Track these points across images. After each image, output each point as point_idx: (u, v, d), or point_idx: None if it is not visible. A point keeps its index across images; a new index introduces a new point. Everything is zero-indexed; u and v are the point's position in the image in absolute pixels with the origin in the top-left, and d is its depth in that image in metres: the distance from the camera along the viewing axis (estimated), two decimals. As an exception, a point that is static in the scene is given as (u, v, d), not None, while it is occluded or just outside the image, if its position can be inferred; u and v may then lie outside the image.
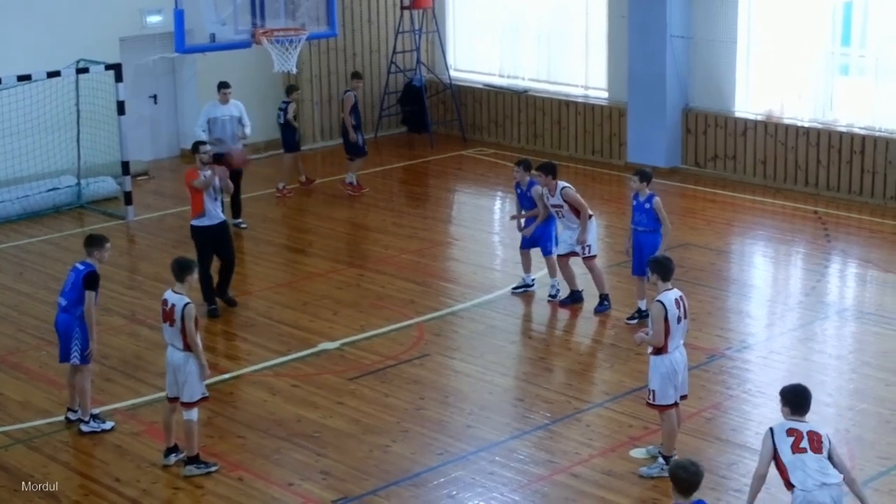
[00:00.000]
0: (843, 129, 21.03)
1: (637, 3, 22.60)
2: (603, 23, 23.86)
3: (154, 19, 23.02)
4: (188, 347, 11.71)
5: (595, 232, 16.06)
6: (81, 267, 12.60)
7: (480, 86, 25.65)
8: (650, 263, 11.83)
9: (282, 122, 21.78)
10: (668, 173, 22.52)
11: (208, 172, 15.61)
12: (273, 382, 13.88)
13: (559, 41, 24.92)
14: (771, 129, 21.73)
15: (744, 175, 22.08)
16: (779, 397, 9.65)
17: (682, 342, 11.58)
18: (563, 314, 15.75)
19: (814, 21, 21.35)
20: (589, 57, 24.43)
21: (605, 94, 24.15)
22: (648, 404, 11.76)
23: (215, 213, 15.80)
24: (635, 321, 15.16)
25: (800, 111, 21.70)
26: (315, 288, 16.99)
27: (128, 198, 20.55)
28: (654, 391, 11.57)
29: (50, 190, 20.93)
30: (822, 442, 9.35)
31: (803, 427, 9.41)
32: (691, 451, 11.94)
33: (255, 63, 22.72)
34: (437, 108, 25.94)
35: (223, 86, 19.34)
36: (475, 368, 14.23)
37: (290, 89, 21.96)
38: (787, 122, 21.70)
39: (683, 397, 11.76)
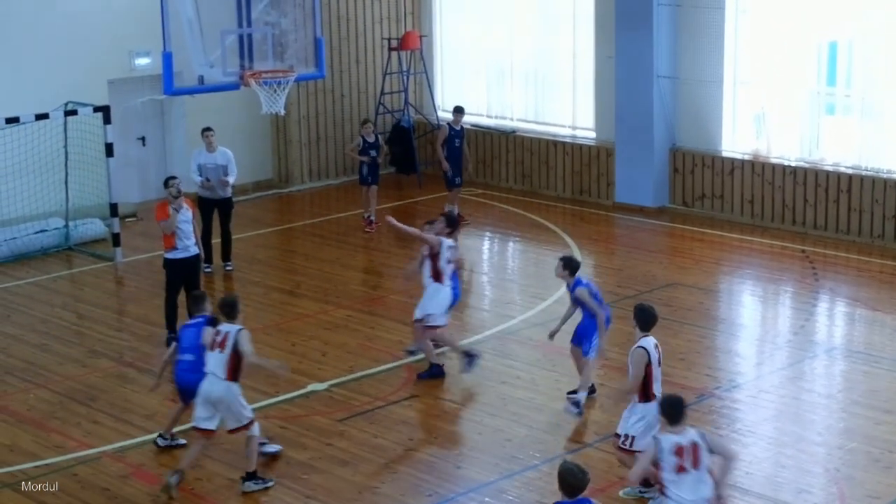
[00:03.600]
0: (830, 168, 21.12)
1: (624, 44, 22.72)
2: (590, 63, 23.99)
3: (142, 61, 23.06)
4: (232, 376, 11.98)
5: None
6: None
7: (469, 126, 25.72)
8: (634, 309, 11.81)
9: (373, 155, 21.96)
10: (656, 213, 22.59)
11: (182, 207, 15.93)
12: (262, 424, 13.79)
13: (547, 81, 25.04)
14: (758, 169, 21.81)
15: (731, 214, 22.14)
16: (659, 407, 10.23)
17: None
18: (552, 356, 15.70)
19: (800, 61, 21.48)
20: (576, 97, 24.55)
21: (592, 134, 24.25)
22: (621, 448, 11.70)
23: (187, 246, 16.15)
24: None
25: (787, 150, 21.79)
26: (304, 329, 16.97)
27: (116, 239, 20.54)
28: (632, 437, 11.54)
29: (38, 232, 20.90)
30: (700, 455, 9.81)
31: (685, 441, 9.82)
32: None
33: (243, 105, 22.77)
34: (426, 149, 26.00)
35: (206, 130, 19.36)
36: (464, 409, 14.20)
37: (365, 122, 22.35)
38: (773, 161, 21.78)
39: None
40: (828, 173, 21.01)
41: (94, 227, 21.57)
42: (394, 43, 25.59)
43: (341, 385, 14.91)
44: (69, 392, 14.76)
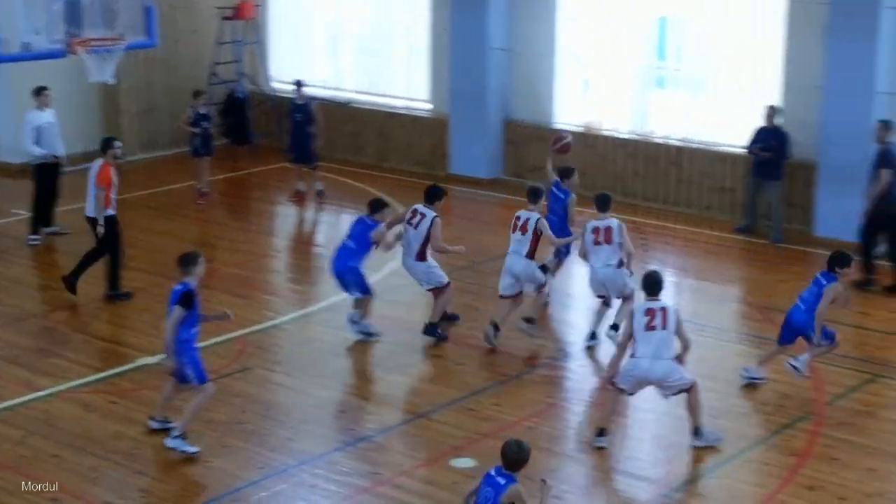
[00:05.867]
0: (660, 141, 21.52)
1: (458, 16, 22.79)
2: (425, 35, 24.00)
3: (-36, 27, 22.34)
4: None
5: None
6: (179, 287, 12.32)
7: (317, 98, 25.51)
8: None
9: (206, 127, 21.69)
10: (490, 184, 22.75)
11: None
12: (90, 399, 13.57)
13: (382, 53, 25.00)
14: (590, 141, 22.10)
15: (564, 186, 22.36)
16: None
17: (665, 351, 12.14)
18: (386, 327, 15.68)
19: (631, 35, 21.82)
20: (412, 68, 24.55)
21: (428, 106, 24.29)
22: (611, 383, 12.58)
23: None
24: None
25: (618, 123, 22.13)
26: (135, 302, 16.68)
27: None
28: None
29: None
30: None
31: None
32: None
33: (71, 73, 22.17)
34: (261, 120, 25.72)
35: (44, 89, 18.95)
36: (297, 381, 14.14)
37: (198, 93, 22.03)
38: (605, 133, 22.11)
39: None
40: (658, 146, 21.41)
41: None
42: (228, 12, 25.24)
43: (173, 359, 14.68)
44: None
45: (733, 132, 20.29)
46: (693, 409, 12.34)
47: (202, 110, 21.74)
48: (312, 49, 26.08)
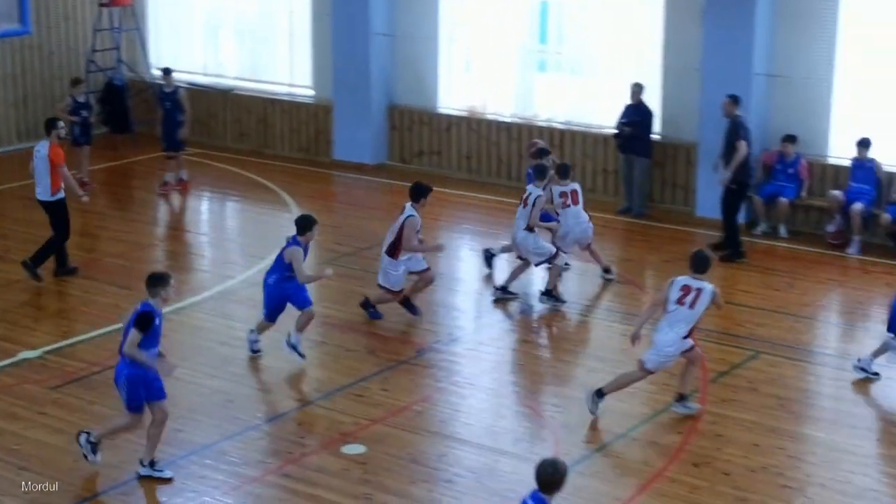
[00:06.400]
0: (543, 124, 21.64)
1: (340, 1, 22.67)
2: (307, 20, 23.84)
3: None
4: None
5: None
6: (139, 307, 11.34)
7: (185, 85, 25.20)
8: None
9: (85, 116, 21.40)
10: (374, 170, 22.71)
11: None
12: (-30, 395, 13.30)
13: (263, 39, 24.78)
14: (474, 125, 22.16)
15: (449, 170, 22.43)
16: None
17: (673, 329, 12.35)
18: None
19: (513, 19, 21.90)
20: (294, 54, 24.38)
21: (311, 92, 24.14)
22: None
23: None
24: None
25: (501, 107, 22.21)
26: (14, 296, 16.38)
27: None
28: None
29: None
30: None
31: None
32: (403, 445, 12.07)
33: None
34: (140, 108, 25.34)
35: None
36: (183, 371, 13.88)
37: (76, 82, 21.69)
38: (489, 117, 22.17)
39: None
40: (541, 129, 21.52)
41: None
42: (104, -1, 24.85)
43: (55, 352, 14.46)
44: None
45: (614, 115, 20.47)
46: (682, 376, 12.80)
47: (81, 98, 21.39)
48: (192, 35, 25.75)
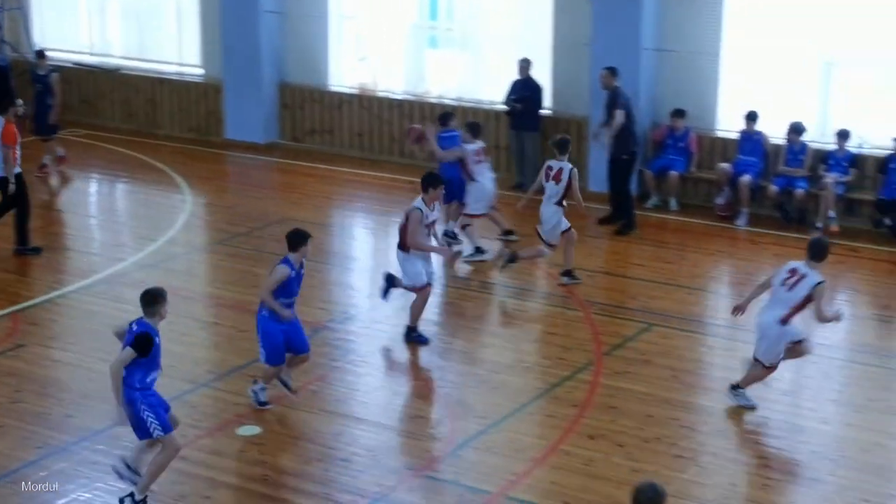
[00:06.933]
0: (435, 101, 21.64)
1: (227, -22, 22.45)
2: (194, -2, 23.58)
3: None
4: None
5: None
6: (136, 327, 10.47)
7: (70, 65, 24.78)
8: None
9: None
10: (266, 149, 22.55)
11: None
12: None
13: (150, 17, 24.45)
14: (366, 102, 22.08)
15: (341, 148, 22.35)
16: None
17: (772, 310, 12.26)
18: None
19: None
20: (182, 33, 24.07)
21: (200, 71, 23.87)
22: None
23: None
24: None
25: (393, 84, 22.15)
26: None
27: None
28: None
29: None
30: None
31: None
32: (298, 423, 12.01)
33: None
34: (25, 90, 24.82)
35: None
36: (75, 356, 13.75)
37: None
38: (380, 94, 22.11)
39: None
40: (433, 105, 21.51)
41: None
42: (-15, -23, 24.34)
43: (-59, 337, 14.17)
44: None
45: (504, 90, 20.52)
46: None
47: (-39, 79, 20.96)
48: (78, 14, 25.31)
